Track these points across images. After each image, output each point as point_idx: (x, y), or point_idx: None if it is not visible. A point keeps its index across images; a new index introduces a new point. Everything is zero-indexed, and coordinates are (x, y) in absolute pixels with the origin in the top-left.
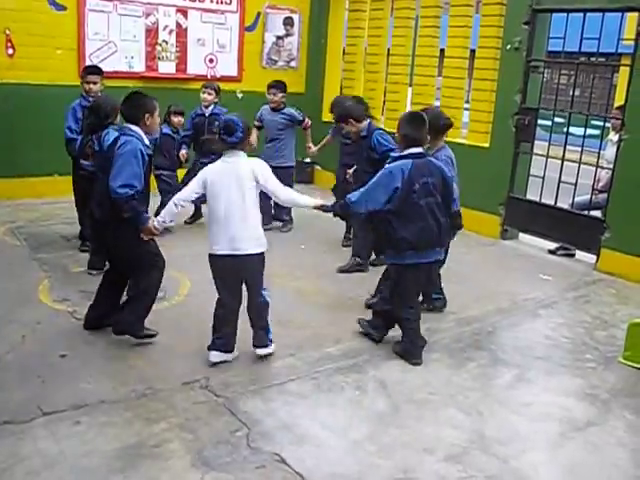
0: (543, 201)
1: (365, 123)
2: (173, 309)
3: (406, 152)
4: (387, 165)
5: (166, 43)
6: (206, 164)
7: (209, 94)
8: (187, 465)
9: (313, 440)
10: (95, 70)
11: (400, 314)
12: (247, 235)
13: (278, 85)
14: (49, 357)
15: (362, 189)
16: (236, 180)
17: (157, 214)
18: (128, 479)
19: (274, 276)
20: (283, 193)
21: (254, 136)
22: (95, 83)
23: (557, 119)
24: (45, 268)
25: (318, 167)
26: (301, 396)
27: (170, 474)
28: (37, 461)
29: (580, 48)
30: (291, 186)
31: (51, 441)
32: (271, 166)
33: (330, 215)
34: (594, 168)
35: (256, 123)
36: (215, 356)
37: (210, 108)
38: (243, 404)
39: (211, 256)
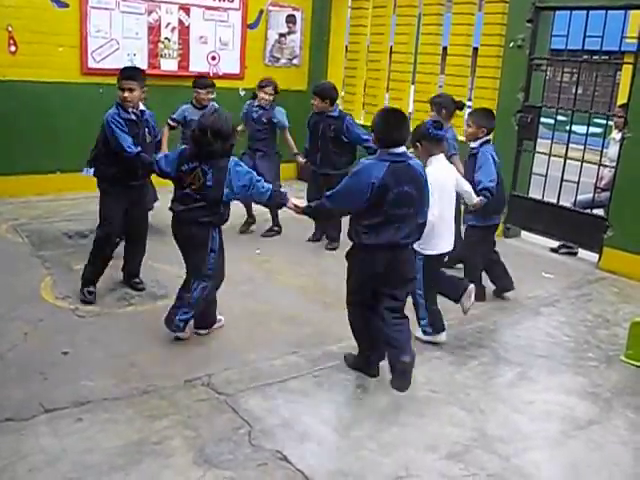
0: (545, 199)
1: (333, 107)
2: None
3: (485, 139)
4: (483, 150)
5: (168, 40)
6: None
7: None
8: (189, 462)
9: (315, 438)
10: (132, 73)
11: (478, 263)
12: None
13: (214, 83)
14: (51, 354)
15: (485, 177)
16: (452, 179)
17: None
18: (130, 476)
19: (276, 273)
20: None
21: (166, 137)
22: (132, 90)
23: (560, 117)
24: (47, 265)
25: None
26: (303, 394)
27: (172, 471)
28: (39, 458)
29: (583, 46)
30: None
31: (53, 438)
32: None
33: None
34: (597, 166)
35: (172, 123)
36: (444, 335)
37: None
38: (245, 402)
39: (432, 257)
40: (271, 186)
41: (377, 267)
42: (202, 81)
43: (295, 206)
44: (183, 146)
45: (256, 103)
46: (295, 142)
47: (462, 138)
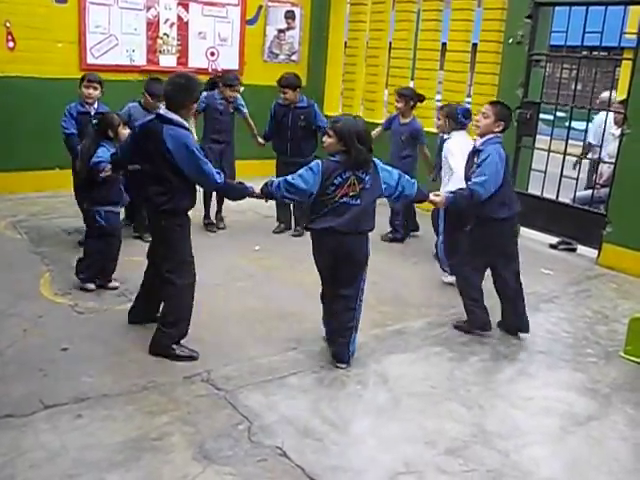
0: (545, 195)
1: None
2: None
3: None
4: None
5: (167, 36)
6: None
7: (94, 89)
8: (188, 458)
9: (314, 434)
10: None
11: None
12: None
13: None
14: (50, 351)
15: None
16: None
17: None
18: (129, 472)
19: (275, 270)
20: None
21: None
22: None
23: (559, 113)
24: (46, 262)
25: None
26: (302, 390)
27: (171, 467)
28: (39, 454)
29: (582, 42)
30: None
31: (53, 434)
32: None
33: None
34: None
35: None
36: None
37: (95, 105)
38: (244, 398)
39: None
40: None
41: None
42: (157, 87)
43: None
44: (318, 160)
45: (220, 97)
46: None
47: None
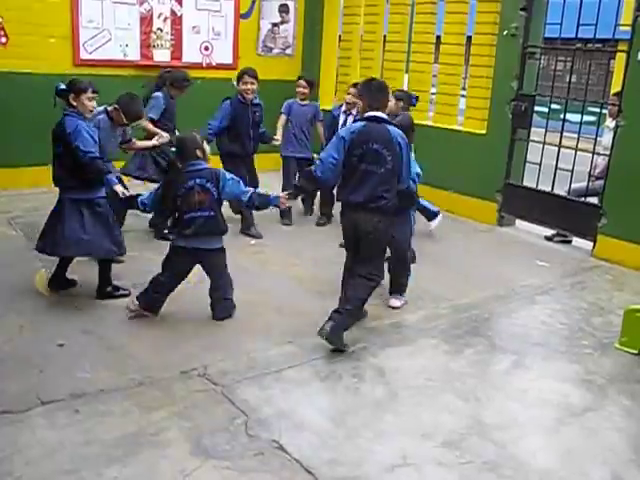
0: (540, 188)
1: None
2: (169, 298)
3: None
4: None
5: (161, 31)
6: None
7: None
8: (186, 453)
9: (311, 427)
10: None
11: None
12: None
13: None
14: (47, 347)
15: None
16: None
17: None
18: (127, 467)
19: (270, 263)
20: None
21: None
22: None
23: (554, 106)
24: (41, 258)
25: None
26: (299, 383)
27: (169, 462)
28: (36, 450)
29: (577, 34)
30: None
31: (50, 430)
32: None
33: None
34: (591, 155)
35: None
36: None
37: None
38: (241, 392)
39: None
40: None
41: None
42: (137, 109)
43: None
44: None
45: (164, 96)
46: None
47: None
